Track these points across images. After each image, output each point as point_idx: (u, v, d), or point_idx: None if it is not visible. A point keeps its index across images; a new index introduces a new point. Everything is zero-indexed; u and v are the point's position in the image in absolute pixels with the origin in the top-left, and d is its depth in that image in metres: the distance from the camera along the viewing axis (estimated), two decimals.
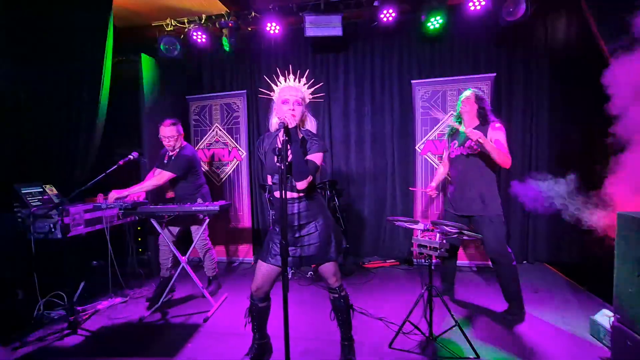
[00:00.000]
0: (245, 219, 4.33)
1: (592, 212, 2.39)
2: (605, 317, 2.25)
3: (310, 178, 1.84)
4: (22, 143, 3.18)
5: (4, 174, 2.94)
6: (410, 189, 3.67)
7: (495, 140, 2.52)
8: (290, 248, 1.90)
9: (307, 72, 2.01)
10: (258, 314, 2.07)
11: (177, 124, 3.00)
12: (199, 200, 3.06)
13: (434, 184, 2.98)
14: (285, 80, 1.97)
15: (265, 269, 1.98)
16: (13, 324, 2.53)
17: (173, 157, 3.02)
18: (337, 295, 2.02)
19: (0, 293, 2.49)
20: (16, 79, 3.07)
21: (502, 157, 2.44)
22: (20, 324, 2.59)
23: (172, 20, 3.99)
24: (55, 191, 3.08)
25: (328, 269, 1.97)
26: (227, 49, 3.94)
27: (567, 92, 3.62)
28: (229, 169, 4.35)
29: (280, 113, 1.89)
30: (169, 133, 2.95)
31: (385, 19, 3.63)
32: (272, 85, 2.00)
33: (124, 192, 2.82)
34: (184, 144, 3.09)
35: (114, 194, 2.80)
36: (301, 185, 1.83)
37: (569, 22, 3.54)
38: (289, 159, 1.81)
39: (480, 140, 2.39)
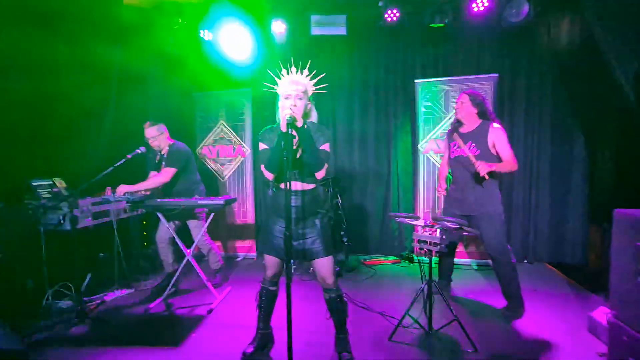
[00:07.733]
0: (249, 215, 4.38)
1: None
2: (603, 314, 2.29)
3: (326, 165, 1.92)
4: (33, 138, 3.25)
5: (15, 167, 3.02)
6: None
7: (498, 143, 2.57)
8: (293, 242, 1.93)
9: (308, 63, 1.97)
10: (267, 298, 2.14)
11: (156, 124, 3.08)
12: (196, 197, 3.10)
13: (442, 185, 3.04)
14: (287, 74, 1.94)
15: (273, 259, 2.06)
16: (23, 312, 2.60)
17: (165, 155, 3.09)
18: (333, 295, 2.02)
19: (12, 282, 2.55)
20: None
21: (509, 167, 2.54)
22: (30, 313, 2.66)
23: (181, 18, 4.05)
24: (64, 184, 3.14)
25: (326, 266, 1.98)
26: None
27: (570, 94, 3.64)
28: (233, 166, 4.40)
29: (284, 108, 1.87)
30: (150, 134, 3.05)
31: (389, 19, 3.67)
32: (276, 79, 1.96)
33: (133, 188, 2.89)
34: (172, 141, 3.16)
35: (122, 188, 2.87)
36: (320, 174, 1.91)
37: (571, 24, 3.56)
38: (299, 154, 1.89)
39: (487, 172, 2.43)
